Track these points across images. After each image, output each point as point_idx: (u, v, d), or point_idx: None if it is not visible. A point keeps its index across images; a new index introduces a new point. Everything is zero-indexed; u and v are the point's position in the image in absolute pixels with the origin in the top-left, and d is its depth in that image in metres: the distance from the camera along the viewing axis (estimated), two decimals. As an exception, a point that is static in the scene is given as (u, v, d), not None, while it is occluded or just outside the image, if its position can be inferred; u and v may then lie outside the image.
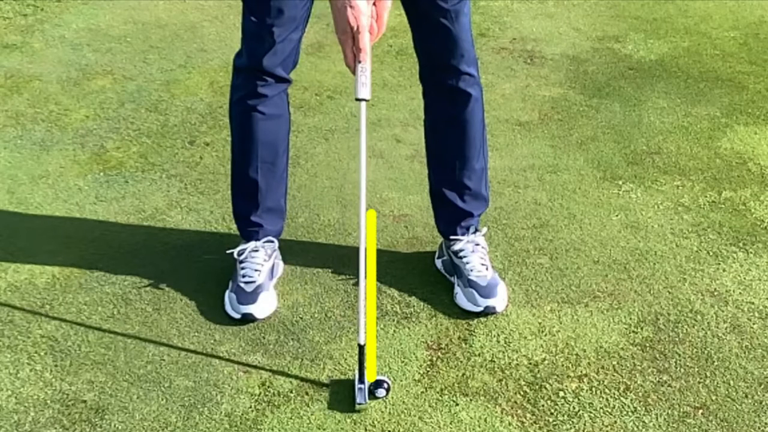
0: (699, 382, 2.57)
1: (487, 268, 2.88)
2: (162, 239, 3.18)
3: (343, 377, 2.60)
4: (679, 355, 2.67)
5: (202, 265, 3.04)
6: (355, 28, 2.44)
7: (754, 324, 2.79)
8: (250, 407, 2.51)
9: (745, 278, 2.98)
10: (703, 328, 2.77)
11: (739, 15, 4.91)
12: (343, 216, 3.29)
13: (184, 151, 3.69)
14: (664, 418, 2.46)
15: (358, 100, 2.44)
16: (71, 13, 4.90)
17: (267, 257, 2.89)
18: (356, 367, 2.52)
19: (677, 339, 2.73)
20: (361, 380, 2.49)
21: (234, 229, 3.03)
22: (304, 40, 2.80)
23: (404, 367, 2.63)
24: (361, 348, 2.49)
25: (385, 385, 2.50)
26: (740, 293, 2.91)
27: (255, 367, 2.64)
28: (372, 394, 2.49)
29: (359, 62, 2.45)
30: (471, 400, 2.52)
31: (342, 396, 2.53)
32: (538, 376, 2.60)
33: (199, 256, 3.09)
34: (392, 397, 2.52)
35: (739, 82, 4.22)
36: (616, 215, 3.30)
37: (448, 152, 2.87)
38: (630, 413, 2.48)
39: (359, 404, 2.48)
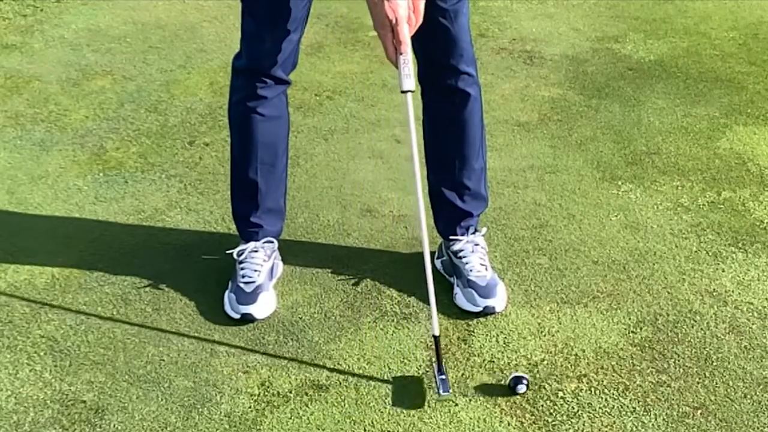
0: (698, 383, 2.57)
1: (486, 269, 2.88)
2: (161, 239, 3.18)
3: (342, 377, 2.60)
4: (678, 356, 2.67)
5: (201, 266, 3.04)
6: (394, 21, 2.44)
7: (753, 324, 2.79)
8: (250, 407, 2.51)
9: (744, 278, 2.98)
10: (702, 329, 2.77)
11: (739, 15, 4.92)
12: (343, 216, 3.29)
13: (183, 152, 3.69)
14: (663, 419, 2.46)
15: (403, 92, 2.48)
16: (71, 13, 4.91)
17: (266, 257, 2.90)
18: (434, 358, 2.55)
19: (676, 339, 2.73)
20: (441, 371, 2.51)
21: (233, 229, 3.03)
22: (304, 41, 2.80)
23: (404, 367, 2.63)
24: (437, 339, 2.53)
25: (525, 381, 2.52)
26: (739, 293, 2.91)
27: (254, 367, 2.64)
28: (513, 390, 2.51)
29: (401, 54, 2.47)
30: (470, 400, 2.52)
31: (342, 396, 2.53)
32: (538, 376, 2.60)
33: (198, 256, 3.09)
34: (391, 398, 2.52)
35: (739, 83, 4.22)
36: (616, 215, 3.30)
37: (447, 152, 2.88)
38: (629, 413, 2.48)
39: (444, 395, 2.48)
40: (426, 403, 2.51)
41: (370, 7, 2.47)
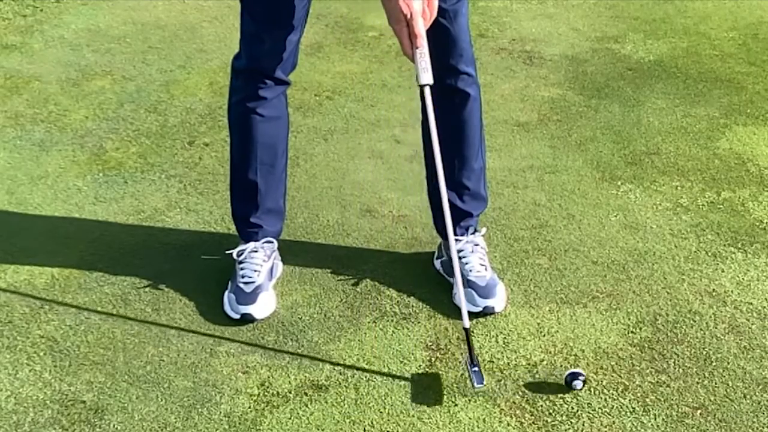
0: (697, 383, 2.58)
1: (486, 269, 2.88)
2: (161, 239, 3.18)
3: (341, 377, 2.60)
4: (678, 356, 2.67)
5: (201, 266, 3.04)
6: (409, 15, 2.46)
7: (752, 324, 2.79)
8: (249, 407, 2.51)
9: (743, 279, 2.98)
10: (701, 329, 2.77)
11: (738, 15, 4.92)
12: (342, 216, 3.29)
13: (183, 152, 3.69)
14: (663, 419, 2.46)
15: (421, 86, 2.52)
16: (70, 13, 4.91)
17: (266, 258, 2.90)
18: (465, 351, 2.56)
19: (676, 339, 2.73)
20: (473, 363, 2.52)
21: (233, 229, 3.03)
22: (304, 41, 2.80)
23: (403, 368, 2.63)
24: (467, 331, 2.54)
25: (582, 377, 2.53)
26: (739, 294, 2.91)
27: (254, 367, 2.64)
28: (569, 386, 2.53)
29: (416, 48, 2.50)
30: (470, 400, 2.52)
31: (341, 396, 2.53)
32: (537, 376, 2.60)
33: (198, 256, 3.09)
34: (391, 398, 2.53)
35: (738, 83, 4.22)
36: (615, 216, 3.30)
37: (446, 152, 2.87)
38: (628, 414, 2.48)
39: (478, 387, 2.49)
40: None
41: (384, 3, 2.48)
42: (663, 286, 2.95)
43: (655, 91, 4.17)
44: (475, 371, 2.51)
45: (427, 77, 2.50)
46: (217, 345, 2.72)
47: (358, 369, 2.63)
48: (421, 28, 2.48)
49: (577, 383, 2.53)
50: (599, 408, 2.50)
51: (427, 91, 2.54)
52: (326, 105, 4.05)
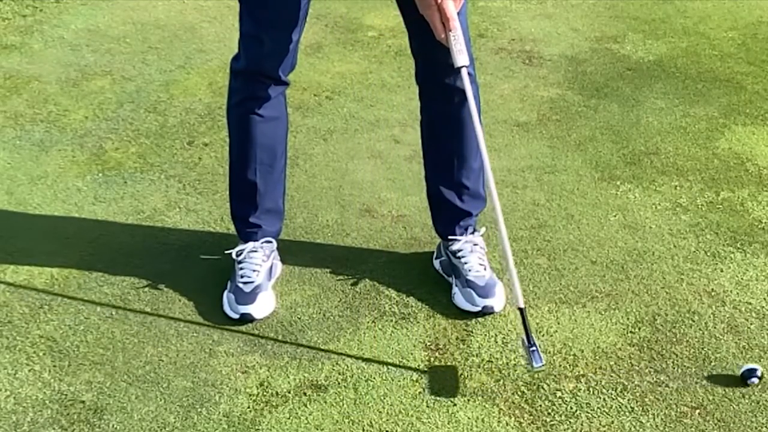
0: (696, 383, 2.58)
1: (485, 268, 2.89)
2: (161, 240, 3.19)
3: (340, 377, 2.60)
4: (677, 356, 2.67)
5: (200, 266, 3.04)
6: (440, 0, 2.48)
7: (751, 324, 2.79)
8: (248, 407, 2.51)
9: (742, 278, 2.98)
10: (700, 329, 2.77)
11: (738, 15, 4.92)
12: (342, 216, 3.29)
13: (182, 152, 3.70)
14: (662, 419, 2.46)
15: (458, 68, 2.55)
16: (70, 13, 4.91)
17: (265, 258, 2.90)
18: (522, 331, 2.54)
19: (674, 339, 2.74)
20: (531, 342, 2.50)
21: (232, 229, 3.03)
22: (303, 41, 2.80)
23: (402, 368, 2.63)
24: (522, 310, 2.53)
25: (758, 373, 2.54)
26: (737, 293, 2.92)
27: (253, 367, 2.64)
28: (744, 382, 2.53)
29: (449, 31, 2.53)
30: (469, 400, 2.52)
31: (340, 396, 2.54)
32: (536, 376, 2.60)
33: (197, 256, 3.09)
34: (390, 398, 2.53)
35: (738, 83, 4.22)
36: (614, 216, 3.30)
37: (445, 151, 2.88)
38: (627, 413, 2.48)
39: (537, 367, 2.48)
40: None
41: None
42: (662, 285, 2.96)
43: (654, 91, 4.17)
44: (532, 351, 2.48)
45: (463, 59, 2.55)
46: (217, 345, 2.72)
47: (357, 369, 2.63)
48: (452, 10, 2.52)
49: (754, 379, 2.53)
50: (598, 408, 2.50)
51: (464, 72, 2.57)
52: (326, 105, 4.06)
